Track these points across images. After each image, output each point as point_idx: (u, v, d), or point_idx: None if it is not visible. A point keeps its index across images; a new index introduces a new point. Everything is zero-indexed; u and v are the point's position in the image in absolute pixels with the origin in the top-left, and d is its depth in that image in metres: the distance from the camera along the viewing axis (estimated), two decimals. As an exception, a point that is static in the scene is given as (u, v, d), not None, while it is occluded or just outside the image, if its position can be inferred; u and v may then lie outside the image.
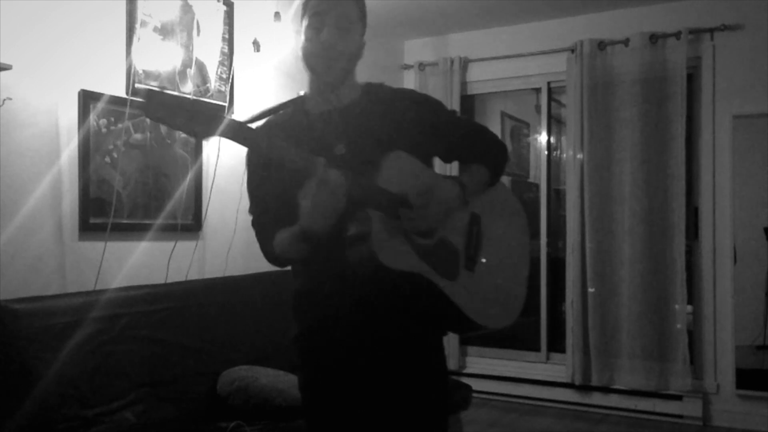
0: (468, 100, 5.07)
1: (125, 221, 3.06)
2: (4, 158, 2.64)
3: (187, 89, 3.34)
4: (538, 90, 4.90)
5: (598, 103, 4.34)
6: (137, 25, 3.10)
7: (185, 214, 3.34)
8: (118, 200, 3.03)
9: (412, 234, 1.46)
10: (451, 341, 4.68)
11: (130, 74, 3.08)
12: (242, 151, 1.49)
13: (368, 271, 1.40)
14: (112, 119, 3.01)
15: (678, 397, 4.12)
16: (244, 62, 3.66)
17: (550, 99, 4.80)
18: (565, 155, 4.82)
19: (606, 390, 4.33)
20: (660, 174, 4.16)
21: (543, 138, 4.93)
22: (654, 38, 4.17)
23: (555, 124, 5.06)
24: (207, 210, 3.45)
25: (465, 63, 4.86)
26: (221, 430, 2.46)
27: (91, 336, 2.49)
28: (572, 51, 4.44)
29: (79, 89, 2.89)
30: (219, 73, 3.52)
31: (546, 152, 4.87)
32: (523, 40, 4.69)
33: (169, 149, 3.28)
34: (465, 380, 3.90)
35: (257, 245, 1.61)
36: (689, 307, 4.16)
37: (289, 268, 1.65)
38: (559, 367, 4.50)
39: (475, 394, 3.45)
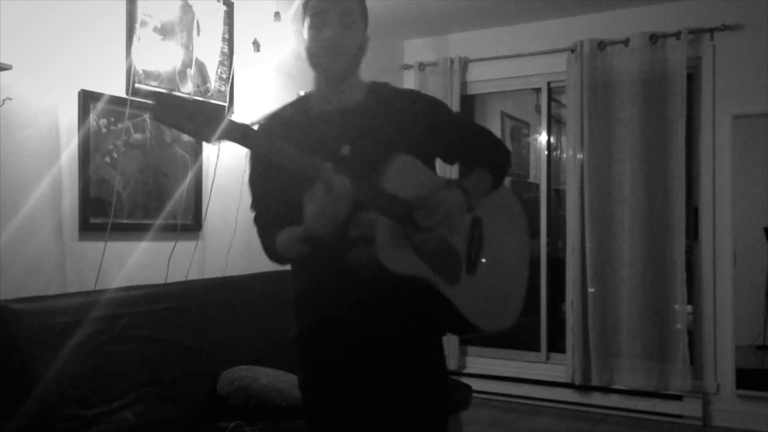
0: (468, 100, 5.07)
1: (125, 221, 3.06)
2: (4, 158, 2.64)
3: (187, 89, 3.34)
4: (538, 90, 4.90)
5: (598, 103, 4.34)
6: (137, 25, 3.10)
7: (185, 214, 3.34)
8: (118, 200, 3.03)
9: (414, 236, 1.46)
10: (451, 341, 4.68)
11: (130, 74, 3.08)
12: (242, 151, 1.49)
13: (370, 272, 1.40)
14: (112, 119, 3.01)
15: (678, 397, 4.11)
16: (244, 62, 3.66)
17: (550, 99, 4.80)
18: (565, 155, 4.82)
19: (606, 390, 4.32)
20: (660, 174, 4.16)
21: (543, 138, 4.93)
22: (654, 38, 4.17)
23: (555, 124, 5.06)
24: (207, 210, 3.45)
25: (465, 63, 4.86)
26: (221, 430, 2.46)
27: (91, 336, 2.48)
28: (572, 51, 4.44)
29: (79, 89, 2.89)
30: (219, 73, 3.52)
31: (546, 152, 4.87)
32: (523, 40, 4.68)
33: (169, 149, 3.28)
34: (465, 380, 3.90)
35: (257, 245, 1.61)
36: (689, 307, 4.16)
37: (288, 267, 1.66)
38: (559, 367, 4.50)
39: (475, 394, 3.45)
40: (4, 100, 2.59)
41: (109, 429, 2.36)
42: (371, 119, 1.56)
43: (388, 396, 1.57)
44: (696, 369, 4.15)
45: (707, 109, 4.16)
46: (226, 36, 3.56)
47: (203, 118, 1.24)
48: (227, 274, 3.41)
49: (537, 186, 4.97)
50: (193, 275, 3.31)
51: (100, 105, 2.95)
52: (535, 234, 4.68)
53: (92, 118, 2.93)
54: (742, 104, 4.04)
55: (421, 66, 4.97)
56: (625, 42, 4.26)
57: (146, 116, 3.14)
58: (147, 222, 3.16)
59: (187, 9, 3.35)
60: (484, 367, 4.77)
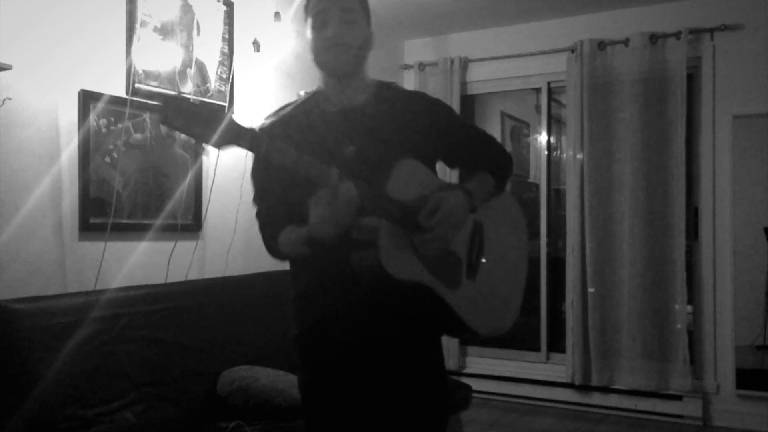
0: (468, 100, 5.07)
1: (125, 221, 3.06)
2: (4, 158, 2.64)
3: (187, 89, 3.34)
4: (538, 90, 4.90)
5: (598, 103, 4.34)
6: (137, 25, 3.10)
7: (185, 214, 3.34)
8: (118, 200, 3.03)
9: (416, 238, 1.46)
10: (451, 341, 4.67)
11: (130, 74, 3.08)
12: (242, 150, 1.48)
13: (371, 274, 1.41)
14: (112, 119, 3.01)
15: (678, 397, 4.11)
16: (244, 62, 3.66)
17: (550, 99, 4.80)
18: (565, 155, 4.82)
19: (606, 390, 4.32)
20: (660, 174, 4.16)
21: (543, 138, 4.93)
22: (654, 38, 4.17)
23: (555, 124, 5.06)
24: (207, 210, 3.45)
25: (465, 63, 4.86)
26: (221, 430, 2.46)
27: (91, 336, 2.49)
28: (572, 51, 4.44)
29: (79, 89, 2.89)
30: (219, 73, 3.52)
31: (546, 152, 4.87)
32: (523, 40, 4.68)
33: (169, 149, 3.28)
34: (465, 380, 3.91)
35: (257, 245, 1.61)
36: (689, 307, 4.16)
37: (288, 267, 1.66)
38: (559, 367, 4.50)
39: (475, 394, 3.45)
40: (4, 100, 2.59)
41: (109, 429, 2.36)
42: (377, 121, 1.56)
43: (388, 396, 1.57)
44: (696, 369, 4.15)
45: (707, 109, 4.16)
46: (226, 36, 3.56)
47: (211, 123, 1.23)
48: (227, 274, 3.40)
49: (537, 186, 4.97)
50: (193, 275, 3.31)
51: (100, 105, 2.96)
52: (535, 234, 4.68)
53: (92, 118, 2.93)
54: (742, 104, 4.04)
55: (421, 66, 4.97)
56: (625, 42, 4.26)
57: (146, 116, 3.14)
58: (147, 222, 3.16)
59: (187, 9, 3.35)
60: (484, 367, 4.77)
